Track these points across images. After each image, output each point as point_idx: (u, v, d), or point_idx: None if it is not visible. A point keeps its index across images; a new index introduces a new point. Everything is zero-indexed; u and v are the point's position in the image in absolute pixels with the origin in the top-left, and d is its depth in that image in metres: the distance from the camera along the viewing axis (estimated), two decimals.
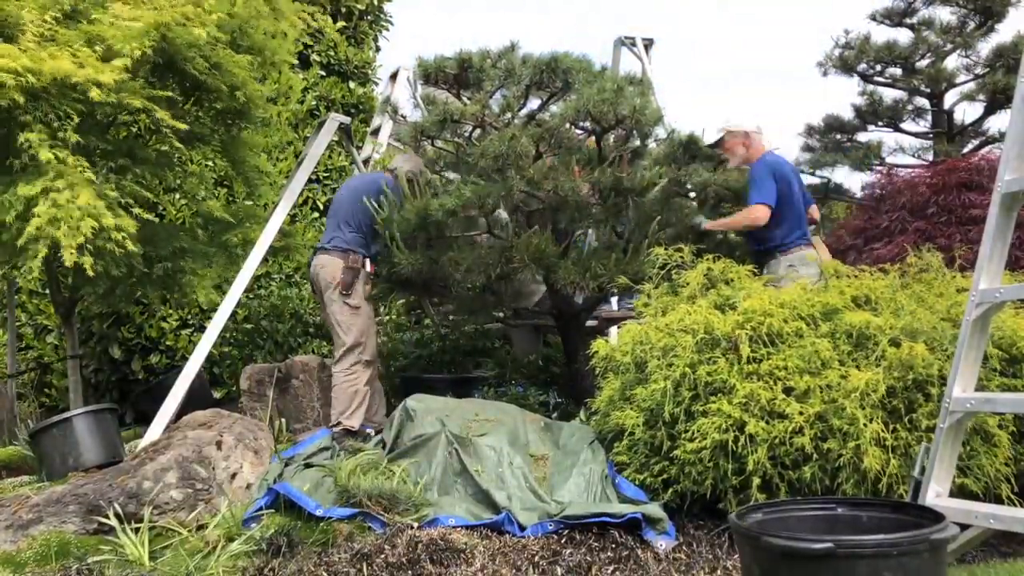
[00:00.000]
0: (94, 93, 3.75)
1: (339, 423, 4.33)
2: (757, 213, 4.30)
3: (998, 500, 2.93)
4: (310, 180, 6.58)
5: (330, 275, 4.41)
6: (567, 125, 4.62)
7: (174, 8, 4.15)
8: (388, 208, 4.47)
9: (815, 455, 3.01)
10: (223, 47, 4.49)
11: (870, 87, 7.85)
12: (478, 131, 4.86)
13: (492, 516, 3.35)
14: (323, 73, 8.01)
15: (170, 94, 4.30)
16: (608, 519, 3.20)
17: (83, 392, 5.14)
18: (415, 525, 3.27)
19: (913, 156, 7.78)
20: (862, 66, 7.73)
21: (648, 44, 6.39)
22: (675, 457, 3.25)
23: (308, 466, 3.93)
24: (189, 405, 4.43)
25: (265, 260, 6.11)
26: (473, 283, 4.57)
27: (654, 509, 3.22)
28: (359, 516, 3.40)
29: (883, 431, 2.95)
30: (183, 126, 4.23)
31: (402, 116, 5.52)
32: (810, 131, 8.17)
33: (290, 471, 3.87)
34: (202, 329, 5.59)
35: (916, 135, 7.84)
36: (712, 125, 4.74)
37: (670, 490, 3.29)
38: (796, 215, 4.43)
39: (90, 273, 3.72)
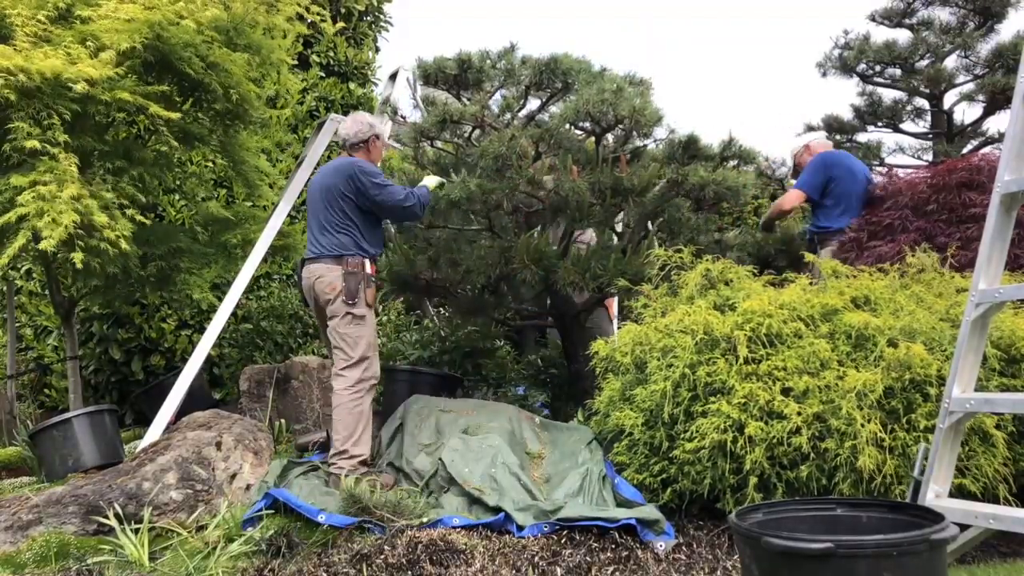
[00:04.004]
0: (80, 87, 3.75)
1: (345, 450, 3.84)
2: None
3: (996, 500, 2.93)
4: (309, 180, 6.57)
5: (328, 285, 3.98)
6: (567, 126, 4.62)
7: (167, 7, 4.15)
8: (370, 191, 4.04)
9: (812, 455, 3.01)
10: (219, 46, 4.49)
11: (869, 87, 7.85)
12: (478, 132, 4.86)
13: (492, 516, 3.34)
14: (322, 74, 8.01)
15: (165, 88, 4.30)
16: (603, 524, 3.17)
17: (82, 393, 5.15)
18: (415, 525, 3.26)
19: (913, 156, 7.79)
20: (861, 66, 7.72)
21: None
22: (674, 457, 3.26)
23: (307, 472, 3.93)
24: (189, 406, 4.43)
25: (265, 260, 6.12)
26: (473, 283, 4.56)
27: (650, 511, 3.20)
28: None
29: (881, 431, 2.95)
30: (176, 115, 4.20)
31: (402, 116, 5.51)
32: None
33: (294, 474, 3.86)
34: (201, 330, 5.59)
35: (915, 135, 7.83)
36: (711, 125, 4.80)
37: (669, 490, 3.30)
38: None
39: (79, 266, 3.71)
